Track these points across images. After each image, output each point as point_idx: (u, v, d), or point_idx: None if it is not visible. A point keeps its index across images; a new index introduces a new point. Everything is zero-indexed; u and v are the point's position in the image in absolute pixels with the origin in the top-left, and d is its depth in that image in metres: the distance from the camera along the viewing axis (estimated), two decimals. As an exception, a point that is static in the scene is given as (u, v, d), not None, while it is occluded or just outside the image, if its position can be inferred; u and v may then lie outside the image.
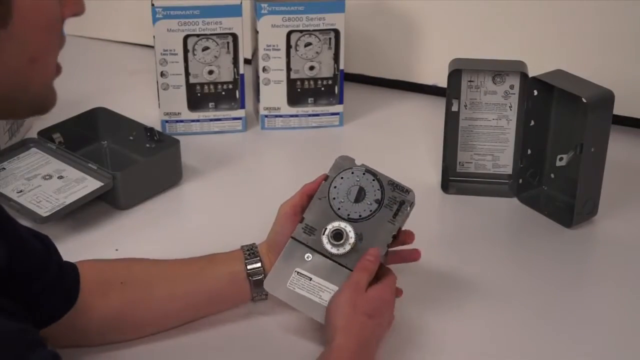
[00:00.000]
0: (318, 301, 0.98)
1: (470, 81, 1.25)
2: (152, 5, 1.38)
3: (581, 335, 1.03)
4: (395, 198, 0.99)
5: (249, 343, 1.01)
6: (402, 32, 1.56)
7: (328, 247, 0.98)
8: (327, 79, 1.46)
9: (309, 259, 0.99)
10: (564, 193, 1.23)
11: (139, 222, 1.23)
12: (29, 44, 0.69)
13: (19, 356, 0.67)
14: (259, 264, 1.02)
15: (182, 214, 1.28)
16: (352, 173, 1.01)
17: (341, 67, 1.45)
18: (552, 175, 1.25)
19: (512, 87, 1.25)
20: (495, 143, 1.28)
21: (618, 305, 1.08)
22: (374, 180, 1.00)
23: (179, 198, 1.30)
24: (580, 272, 1.15)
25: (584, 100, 1.14)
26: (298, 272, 0.99)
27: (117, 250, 1.16)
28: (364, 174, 1.01)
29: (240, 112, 1.46)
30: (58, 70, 0.74)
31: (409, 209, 0.99)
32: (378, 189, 1.00)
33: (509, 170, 1.29)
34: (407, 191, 1.00)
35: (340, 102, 1.48)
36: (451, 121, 1.27)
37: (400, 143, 1.43)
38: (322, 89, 1.47)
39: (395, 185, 1.00)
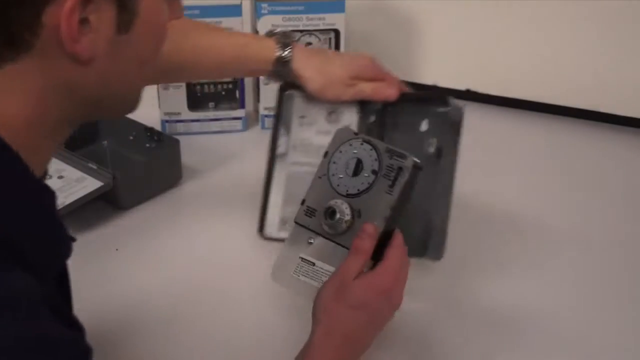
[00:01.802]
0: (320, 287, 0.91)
1: (302, 117, 1.07)
2: (152, 5, 1.38)
3: None
4: (393, 165, 0.91)
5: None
6: (402, 32, 1.56)
7: (326, 228, 0.92)
8: (327, 79, 1.46)
9: (312, 242, 0.93)
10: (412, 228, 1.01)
11: (139, 222, 1.23)
12: (144, 49, 0.70)
13: None
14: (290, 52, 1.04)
15: (182, 213, 1.28)
16: (350, 145, 0.94)
17: (341, 67, 1.45)
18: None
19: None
20: None
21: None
22: (371, 149, 0.92)
23: (179, 198, 1.30)
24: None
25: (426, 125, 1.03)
26: (302, 258, 0.93)
27: (117, 250, 1.16)
28: (361, 144, 0.93)
29: (240, 112, 1.46)
30: None
31: (407, 175, 0.90)
32: (375, 159, 0.92)
33: None
34: (404, 156, 0.91)
35: (340, 102, 1.47)
36: (277, 164, 1.07)
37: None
38: (322, 88, 1.46)
39: (393, 152, 0.91)
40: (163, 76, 1.08)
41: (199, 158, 1.37)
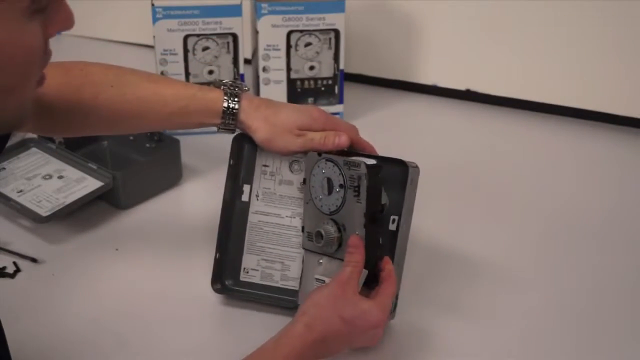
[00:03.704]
0: None
1: (265, 165, 1.06)
2: (152, 5, 1.38)
3: None
4: (353, 176, 0.96)
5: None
6: (402, 32, 1.56)
7: (323, 248, 0.98)
8: (327, 78, 1.46)
9: (322, 262, 0.99)
10: None
11: (139, 222, 1.23)
12: (4, 78, 0.67)
13: None
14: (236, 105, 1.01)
15: (182, 214, 1.28)
16: (319, 167, 0.99)
17: (341, 67, 1.45)
18: None
19: None
20: (286, 248, 1.06)
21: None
22: (334, 166, 0.98)
23: (179, 198, 1.30)
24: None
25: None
26: (317, 279, 0.99)
27: (117, 250, 1.16)
28: (326, 163, 0.98)
29: (240, 112, 1.46)
30: (41, 82, 0.72)
31: (366, 181, 0.94)
32: (339, 174, 0.97)
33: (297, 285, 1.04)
34: (358, 164, 0.95)
35: (340, 102, 1.48)
36: (239, 213, 1.07)
37: (400, 143, 1.43)
38: (322, 88, 1.47)
39: (349, 163, 0.96)
40: (107, 126, 1.05)
41: (199, 158, 1.37)
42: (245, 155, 1.07)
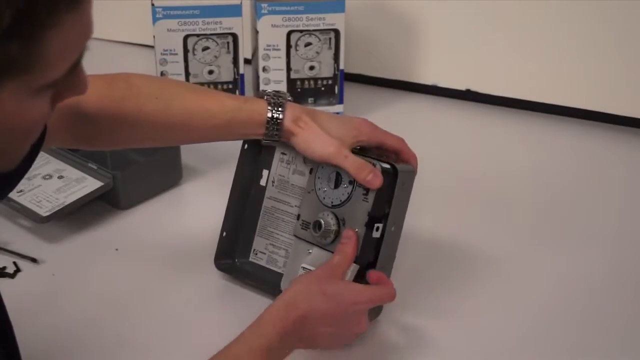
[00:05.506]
0: None
1: (283, 153, 1.07)
2: (152, 5, 1.39)
3: None
4: None
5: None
6: (402, 32, 1.56)
7: (318, 238, 0.99)
8: (327, 78, 1.46)
9: (311, 252, 1.00)
10: None
11: (139, 222, 1.23)
12: (1, 144, 0.67)
13: None
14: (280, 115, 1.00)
15: (182, 214, 1.28)
16: None
17: (341, 67, 1.45)
18: None
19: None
20: (291, 236, 1.05)
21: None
22: None
23: (179, 198, 1.30)
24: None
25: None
26: (303, 267, 0.99)
27: (117, 250, 1.16)
28: None
29: (240, 112, 1.46)
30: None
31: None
32: None
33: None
34: (373, 165, 0.97)
35: (340, 102, 1.48)
36: (255, 196, 1.09)
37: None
38: (322, 88, 1.47)
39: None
40: (151, 138, 1.04)
41: (199, 158, 1.37)
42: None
